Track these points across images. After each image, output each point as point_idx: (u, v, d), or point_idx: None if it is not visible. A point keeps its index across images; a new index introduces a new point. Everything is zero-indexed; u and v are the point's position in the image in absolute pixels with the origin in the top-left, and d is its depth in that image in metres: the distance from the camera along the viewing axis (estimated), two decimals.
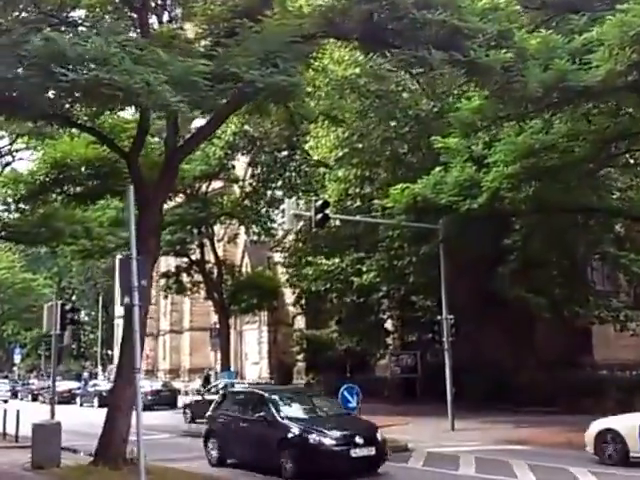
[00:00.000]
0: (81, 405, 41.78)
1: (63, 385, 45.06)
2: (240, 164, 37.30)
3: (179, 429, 26.44)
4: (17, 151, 33.32)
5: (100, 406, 35.73)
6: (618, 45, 14.44)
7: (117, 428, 14.51)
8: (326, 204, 23.36)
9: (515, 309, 26.45)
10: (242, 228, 40.40)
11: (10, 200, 24.32)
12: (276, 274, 42.01)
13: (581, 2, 18.20)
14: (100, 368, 68.59)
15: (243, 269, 44.49)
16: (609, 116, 18.90)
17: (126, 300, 11.52)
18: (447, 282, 23.69)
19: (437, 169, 22.49)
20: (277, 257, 40.22)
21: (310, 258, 33.83)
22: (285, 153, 34.41)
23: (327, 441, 14.08)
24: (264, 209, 36.66)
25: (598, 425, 15.57)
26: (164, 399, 36.30)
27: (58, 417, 19.14)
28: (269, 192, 36.16)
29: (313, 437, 14.13)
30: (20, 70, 12.14)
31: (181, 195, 33.83)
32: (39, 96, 12.96)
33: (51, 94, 13.44)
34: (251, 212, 36.48)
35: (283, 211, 26.45)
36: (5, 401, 42.29)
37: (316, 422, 14.94)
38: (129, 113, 20.36)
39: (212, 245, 38.67)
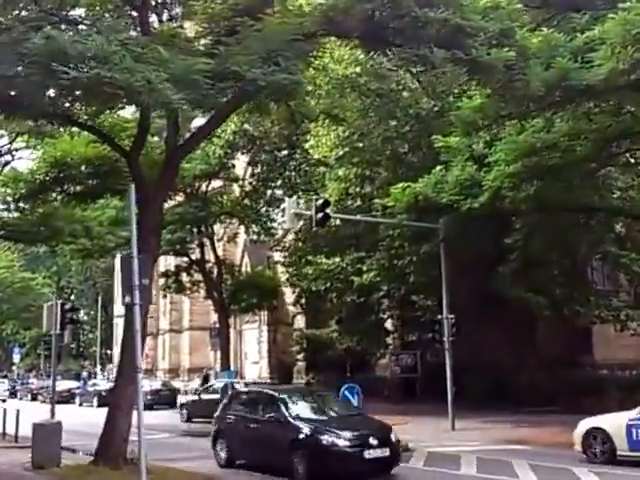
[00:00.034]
0: (80, 405, 41.71)
1: (62, 385, 44.94)
2: (240, 163, 37.28)
3: (179, 429, 26.44)
4: (16, 150, 33.30)
5: (99, 406, 35.69)
6: (620, 43, 14.39)
7: (117, 427, 14.44)
8: (327, 203, 23.32)
9: (515, 309, 26.43)
10: (242, 227, 40.35)
11: (10, 199, 24.25)
12: (276, 273, 41.97)
13: (582, 1, 18.18)
14: (99, 368, 68.56)
15: (243, 268, 44.45)
16: (611, 115, 18.85)
17: (127, 299, 11.46)
18: (447, 281, 23.65)
19: (438, 168, 22.46)
20: (277, 256, 40.17)
21: (310, 257, 33.80)
22: (285, 152, 34.39)
23: (340, 442, 13.75)
24: (264, 208, 36.65)
25: (586, 424, 15.73)
26: (164, 398, 36.27)
27: (57, 417, 19.10)
28: (269, 191, 36.15)
29: (326, 438, 13.79)
30: (20, 68, 12.09)
31: (181, 194, 33.79)
32: (39, 94, 12.94)
33: (51, 93, 13.42)
34: (251, 211, 36.45)
35: (283, 210, 26.43)
36: (3, 400, 42.17)
37: (328, 423, 14.61)
38: (129, 112, 20.39)
39: (212, 244, 38.62)
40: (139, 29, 15.64)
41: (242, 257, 46.78)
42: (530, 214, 23.47)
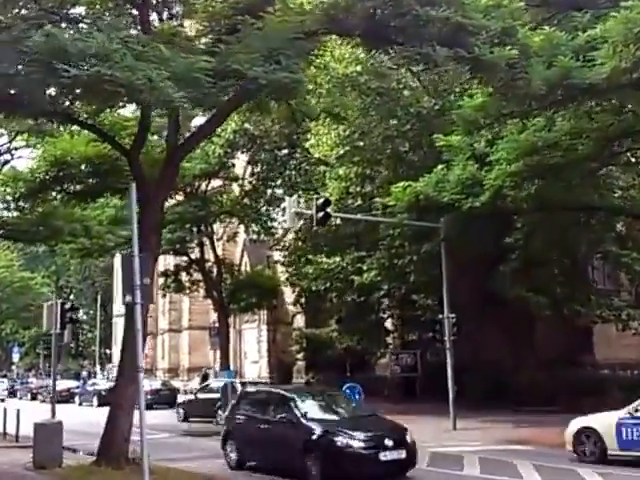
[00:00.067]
0: (80, 404, 41.70)
1: (62, 384, 44.92)
2: (240, 162, 37.19)
3: (179, 428, 26.42)
4: (16, 149, 33.21)
5: (99, 405, 35.69)
6: (622, 42, 14.36)
7: (119, 427, 14.37)
8: (327, 202, 23.29)
9: (516, 308, 26.41)
10: (242, 227, 40.27)
11: (9, 198, 24.18)
12: (275, 273, 41.91)
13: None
14: (98, 367, 68.51)
15: (242, 268, 44.37)
16: (612, 114, 18.83)
17: (128, 298, 11.36)
18: (448, 281, 23.62)
19: (439, 167, 22.41)
20: (277, 256, 40.12)
21: (310, 256, 33.74)
22: (285, 151, 34.31)
23: (355, 444, 13.35)
24: (264, 208, 36.56)
25: (577, 424, 15.85)
26: (163, 398, 36.21)
27: (57, 416, 19.07)
28: (269, 191, 36.06)
29: (340, 439, 13.41)
30: (21, 67, 12.04)
31: (181, 193, 33.71)
32: (40, 93, 12.88)
33: (52, 91, 13.37)
34: (251, 211, 36.35)
35: (284, 209, 26.40)
36: (2, 400, 42.13)
37: (342, 423, 14.23)
38: (129, 111, 20.33)
39: (212, 244, 38.53)
40: (139, 28, 15.59)
41: (242, 256, 46.70)
42: (531, 213, 23.47)
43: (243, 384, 28.01)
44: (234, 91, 13.97)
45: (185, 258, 39.46)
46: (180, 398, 34.88)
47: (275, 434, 14.71)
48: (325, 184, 30.89)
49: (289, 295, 40.72)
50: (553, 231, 23.78)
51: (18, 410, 21.19)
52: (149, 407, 31.17)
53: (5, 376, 68.17)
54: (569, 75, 14.98)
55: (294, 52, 13.50)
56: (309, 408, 14.76)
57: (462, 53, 12.86)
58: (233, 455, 15.88)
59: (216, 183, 37.50)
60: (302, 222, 29.34)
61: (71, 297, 75.78)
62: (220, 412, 27.50)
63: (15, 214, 25.31)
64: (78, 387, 46.84)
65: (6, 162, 32.56)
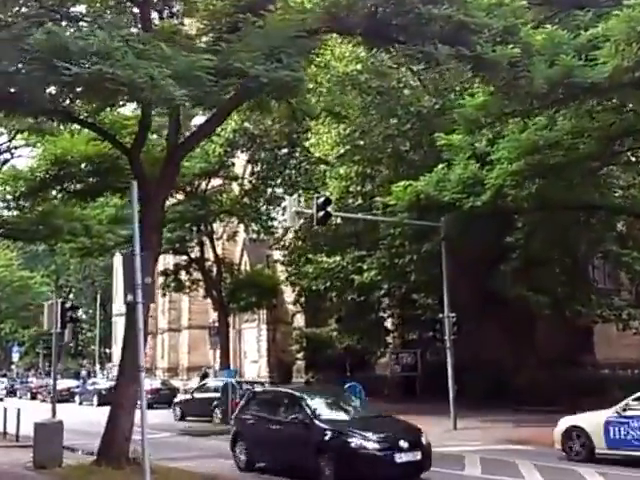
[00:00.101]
0: (80, 404, 41.66)
1: (62, 383, 44.88)
2: (240, 161, 37.15)
3: (178, 428, 26.36)
4: (16, 148, 33.16)
5: (99, 405, 35.65)
6: (625, 41, 14.32)
7: (120, 427, 14.33)
8: (328, 201, 23.21)
9: (516, 307, 26.37)
10: (241, 226, 40.23)
11: (9, 197, 24.16)
12: (275, 272, 41.88)
13: None
14: (98, 366, 68.46)
15: (242, 267, 44.33)
16: (614, 113, 18.80)
17: (129, 297, 11.30)
18: (448, 280, 23.59)
19: (440, 166, 22.36)
20: (276, 255, 40.08)
21: (310, 256, 33.69)
22: (285, 150, 34.27)
23: (370, 445, 13.00)
24: (264, 207, 36.52)
25: (565, 422, 16.08)
26: (163, 397, 36.07)
27: (57, 416, 19.02)
28: (269, 190, 36.02)
29: (355, 441, 13.06)
30: (21, 65, 11.99)
31: (181, 193, 33.69)
32: (40, 91, 12.83)
33: (52, 90, 13.32)
34: (250, 210, 36.32)
35: (284, 209, 26.34)
36: (0, 399, 42.11)
37: (356, 424, 13.87)
38: (129, 109, 20.30)
39: (211, 243, 38.51)
40: (140, 26, 15.55)
41: (241, 256, 46.65)
42: (532, 212, 23.43)
43: (239, 383, 28.01)
44: (235, 90, 13.93)
45: (185, 257, 39.47)
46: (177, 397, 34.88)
47: (286, 435, 14.45)
48: (325, 183, 30.84)
49: (289, 294, 40.66)
50: (554, 230, 23.75)
51: (18, 410, 21.16)
52: (149, 406, 30.93)
53: (5, 375, 68.16)
54: (571, 74, 14.94)
55: (295, 50, 13.45)
56: (321, 408, 14.53)
57: (464, 52, 12.80)
58: (242, 456, 15.64)
59: (216, 182, 37.49)
60: (302, 221, 29.27)
61: (70, 296, 75.76)
62: (217, 411, 27.62)
63: (15, 213, 25.30)
64: (78, 386, 46.77)
65: (6, 161, 32.52)
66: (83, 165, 21.15)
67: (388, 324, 35.92)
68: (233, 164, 36.14)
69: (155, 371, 59.42)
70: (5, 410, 22.33)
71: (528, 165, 19.30)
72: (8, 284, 50.99)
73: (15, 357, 71.75)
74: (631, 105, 18.96)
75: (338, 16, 14.10)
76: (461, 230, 23.08)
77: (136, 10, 15.83)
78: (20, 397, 51.52)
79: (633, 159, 23.86)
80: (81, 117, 16.48)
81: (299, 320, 41.72)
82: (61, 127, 19.38)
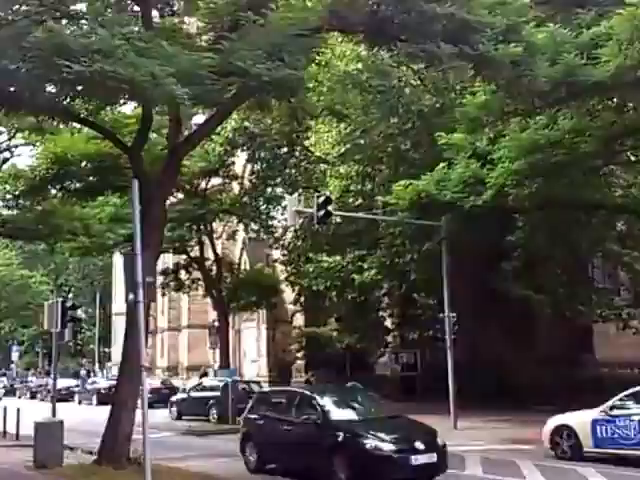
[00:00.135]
0: (79, 403, 41.63)
1: (61, 383, 44.81)
2: (240, 161, 37.07)
3: (178, 427, 26.33)
4: (16, 147, 33.14)
5: (99, 404, 35.60)
6: (627, 40, 14.29)
7: (121, 426, 14.24)
8: (328, 200, 23.18)
9: (516, 307, 26.37)
10: (241, 225, 40.16)
11: (9, 196, 24.13)
12: (275, 272, 41.81)
13: None
14: (97, 366, 68.40)
15: (242, 266, 44.27)
16: (615, 112, 18.78)
17: (130, 297, 11.26)
18: (449, 279, 23.56)
19: (441, 165, 22.32)
20: (276, 254, 40.02)
21: (310, 255, 33.64)
22: (285, 149, 34.20)
23: (385, 446, 12.66)
24: (263, 206, 36.45)
25: (554, 421, 16.28)
26: (163, 397, 36.04)
27: (57, 415, 18.97)
28: (269, 189, 35.94)
29: (369, 442, 12.71)
30: (22, 63, 11.94)
31: (180, 192, 33.60)
32: (41, 90, 12.78)
33: (53, 88, 13.26)
34: (250, 209, 36.25)
35: (284, 208, 26.28)
36: None
37: (370, 425, 13.50)
38: (129, 108, 20.28)
39: (211, 242, 38.44)
40: (141, 24, 15.49)
41: (241, 255, 46.59)
42: (532, 212, 23.41)
43: (235, 382, 27.99)
44: (236, 88, 13.87)
45: (184, 256, 39.37)
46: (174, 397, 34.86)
47: (298, 436, 14.13)
48: (325, 182, 30.79)
49: (289, 294, 40.59)
50: (554, 230, 23.73)
51: (18, 409, 21.13)
52: (149, 406, 31.09)
53: (4, 375, 68.10)
54: (573, 73, 14.91)
55: (297, 49, 13.38)
56: (333, 408, 14.25)
57: (467, 50, 12.73)
58: (252, 457, 15.34)
59: (216, 181, 37.40)
60: (301, 220, 29.21)
61: (70, 295, 75.68)
62: (213, 410, 27.65)
63: (15, 212, 25.27)
64: (77, 386, 46.72)
65: (6, 160, 32.49)
66: (83, 164, 21.16)
67: (388, 323, 35.90)
68: (233, 163, 36.05)
69: (155, 370, 59.42)
70: (5, 409, 22.31)
71: (529, 164, 19.27)
72: (8, 283, 51.01)
73: (14, 356, 71.65)
74: (631, 104, 18.96)
75: (340, 14, 14.03)
76: (462, 229, 23.06)
77: (137, 8, 15.76)
78: (19, 396, 51.47)
79: (633, 158, 23.83)
80: (82, 116, 16.43)
81: (299, 319, 41.68)
82: (61, 126, 19.32)
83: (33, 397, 48.92)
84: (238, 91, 14.03)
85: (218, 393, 27.92)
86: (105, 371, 61.78)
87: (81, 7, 15.80)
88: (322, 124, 28.39)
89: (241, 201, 36.08)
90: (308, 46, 14.14)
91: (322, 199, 22.99)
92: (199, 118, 19.93)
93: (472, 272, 26.78)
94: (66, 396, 42.19)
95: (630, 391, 15.56)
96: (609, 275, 32.31)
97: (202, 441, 22.52)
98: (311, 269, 33.29)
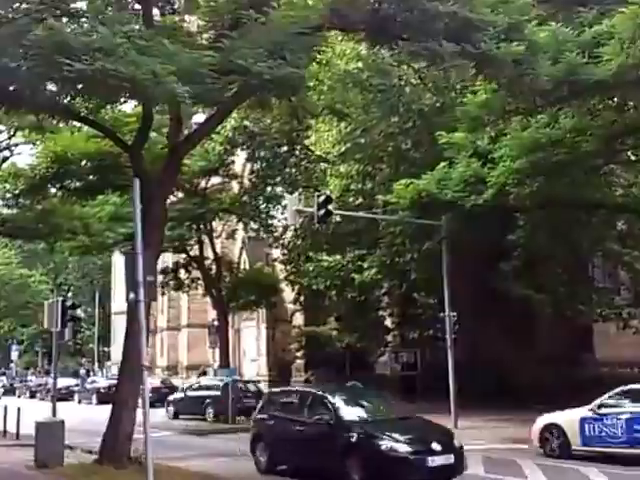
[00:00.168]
0: (79, 402, 41.59)
1: (61, 382, 44.78)
2: (239, 160, 37.03)
3: (178, 426, 26.31)
4: (16, 145, 33.09)
5: (99, 403, 35.57)
6: (629, 38, 14.25)
7: (122, 426, 14.21)
8: (329, 199, 23.19)
9: (516, 306, 26.33)
10: (240, 224, 40.11)
11: (9, 195, 24.08)
12: (275, 271, 41.77)
13: None
14: (97, 365, 68.35)
15: (241, 266, 44.23)
16: (616, 111, 18.75)
17: (131, 296, 11.21)
18: (449, 279, 23.53)
19: (442, 164, 22.29)
20: (276, 253, 39.97)
21: (310, 254, 33.61)
22: (285, 148, 34.15)
23: (401, 447, 12.38)
24: (263, 205, 36.40)
25: (543, 420, 16.53)
26: (163, 396, 36.01)
27: (57, 415, 18.96)
28: (269, 188, 35.89)
29: (385, 443, 12.45)
30: (23, 61, 11.89)
31: (180, 191, 33.54)
32: (41, 88, 12.74)
33: (53, 87, 13.22)
34: (249, 208, 36.21)
35: (284, 207, 26.25)
36: None
37: (384, 426, 13.22)
38: (129, 107, 20.24)
39: (211, 241, 38.40)
40: (141, 22, 15.45)
41: (240, 254, 46.55)
42: (533, 211, 23.38)
43: (235, 382, 27.98)
44: (237, 87, 13.83)
45: (184, 256, 39.34)
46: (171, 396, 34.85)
47: (310, 436, 13.89)
48: (325, 181, 30.74)
49: (288, 293, 40.55)
50: (555, 229, 23.70)
51: (19, 408, 21.09)
52: (149, 405, 31.10)
53: (4, 374, 68.06)
54: (575, 71, 14.85)
55: (298, 47, 13.34)
56: (346, 408, 13.98)
57: (469, 49, 12.68)
58: (263, 458, 15.12)
59: (215, 180, 37.34)
60: (301, 220, 29.18)
61: (69, 294, 75.66)
62: (209, 409, 27.66)
63: (15, 211, 25.23)
64: (77, 385, 46.68)
65: (5, 158, 32.43)
66: (83, 163, 21.12)
67: (388, 323, 35.87)
68: (233, 162, 36.00)
69: (154, 369, 59.38)
70: (6, 409, 22.27)
71: (531, 163, 19.24)
72: (7, 282, 50.95)
73: (14, 355, 71.61)
74: (632, 103, 18.93)
75: (341, 12, 13.98)
76: (462, 229, 23.03)
77: (137, 6, 15.72)
78: (19, 396, 51.43)
79: (633, 158, 23.79)
80: (82, 114, 16.38)
81: (298, 319, 41.64)
82: (61, 124, 19.28)
83: (33, 396, 48.89)
84: (239, 90, 13.97)
85: (214, 392, 27.98)
86: (104, 370, 61.72)
87: (81, 5, 15.75)
88: (322, 123, 28.34)
89: (241, 200, 36.02)
90: (309, 44, 14.09)
91: (322, 198, 22.99)
92: (199, 117, 19.88)
93: (472, 271, 26.75)
94: (66, 395, 42.15)
95: (618, 390, 15.72)
96: (609, 274, 32.25)
97: (202, 440, 22.51)
98: (311, 268, 33.26)
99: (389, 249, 28.03)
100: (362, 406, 14.52)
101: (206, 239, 38.09)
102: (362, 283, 30.22)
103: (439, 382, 23.74)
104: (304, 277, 34.58)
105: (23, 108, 14.77)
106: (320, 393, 14.80)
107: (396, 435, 12.64)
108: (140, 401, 13.01)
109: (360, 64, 26.41)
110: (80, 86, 12.67)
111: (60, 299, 20.95)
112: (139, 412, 12.88)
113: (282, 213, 34.17)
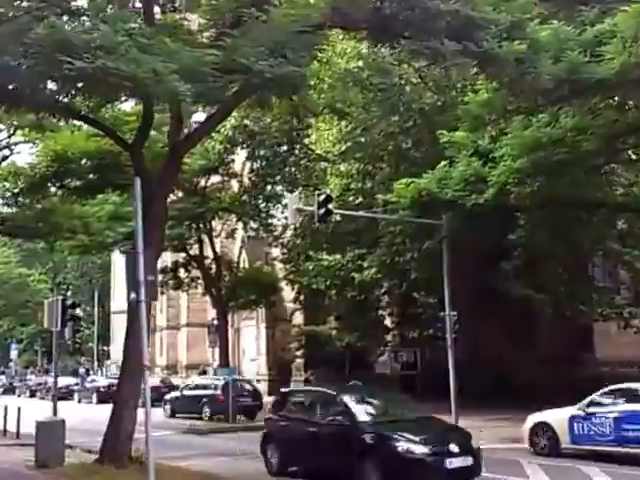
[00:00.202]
0: (79, 401, 41.56)
1: (61, 381, 44.71)
2: (239, 159, 37.00)
3: (178, 426, 26.27)
4: (15, 144, 32.99)
5: (99, 402, 35.54)
6: (632, 37, 14.21)
7: (123, 425, 14.18)
8: (329, 198, 23.13)
9: (517, 306, 26.31)
10: (240, 224, 40.08)
11: (9, 194, 24.04)
12: (274, 270, 41.74)
13: None
14: (96, 364, 68.31)
15: (241, 265, 44.20)
16: (617, 110, 18.72)
17: (132, 295, 11.16)
18: (449, 278, 23.49)
19: (442, 164, 22.24)
20: (275, 253, 39.95)
21: (310, 253, 33.57)
22: (285, 147, 34.13)
23: (418, 449, 12.07)
24: (263, 204, 36.37)
25: (533, 419, 16.83)
26: (162, 395, 35.95)
27: (57, 414, 18.93)
28: (268, 187, 35.87)
29: (402, 444, 12.13)
30: (24, 59, 11.85)
31: (180, 190, 33.51)
32: (42, 87, 12.70)
33: (54, 85, 13.19)
34: (249, 207, 36.18)
35: (284, 206, 26.20)
36: None
37: (401, 427, 12.84)
38: (129, 105, 20.20)
39: (210, 240, 38.37)
40: (142, 21, 15.41)
41: (240, 253, 46.52)
42: (533, 210, 23.34)
43: (235, 381, 27.96)
44: (239, 85, 13.81)
45: (184, 255, 39.32)
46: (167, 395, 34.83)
47: (324, 437, 13.61)
48: (325, 180, 30.69)
49: (288, 292, 40.53)
50: (555, 228, 23.66)
51: (19, 408, 21.05)
52: None
53: (3, 373, 68.04)
54: (577, 70, 14.81)
55: (300, 46, 13.31)
56: (361, 408, 13.68)
57: (471, 47, 12.65)
58: (274, 460, 14.84)
59: (215, 179, 37.32)
60: (301, 219, 29.14)
61: (68, 294, 75.61)
62: (206, 408, 27.67)
63: (14, 210, 25.19)
64: (77, 384, 46.64)
65: (5, 157, 32.36)
66: (83, 161, 21.09)
67: (388, 322, 35.86)
68: (233, 161, 35.98)
69: (154, 369, 59.35)
70: (6, 408, 22.23)
71: (532, 162, 19.20)
72: (6, 281, 50.91)
73: (13, 354, 71.58)
74: (633, 102, 18.89)
75: (343, 11, 13.95)
76: (463, 228, 22.96)
77: (138, 5, 15.68)
78: (19, 395, 51.40)
79: (634, 157, 23.75)
80: (82, 113, 16.35)
81: (298, 318, 41.63)
82: (62, 123, 19.25)
83: (32, 395, 48.88)
84: (240, 88, 13.99)
85: (211, 391, 28.00)
86: (104, 369, 61.67)
87: (82, 3, 15.73)
88: (323, 122, 28.30)
89: (240, 199, 36.02)
90: (311, 43, 14.06)
91: (323, 197, 22.93)
92: (199, 116, 19.85)
93: (473, 271, 26.71)
94: (66, 394, 42.12)
95: (607, 389, 15.98)
96: (610, 274, 32.19)
97: (202, 440, 22.48)
98: (311, 267, 33.22)
99: (389, 248, 27.98)
100: (377, 407, 14.27)
101: (206, 238, 38.08)
102: (362, 282, 30.18)
103: (439, 381, 23.71)
104: (304, 276, 34.54)
105: (23, 107, 14.73)
106: (334, 394, 14.48)
107: (413, 436, 12.37)
108: (141, 401, 12.97)
109: (361, 63, 26.39)
110: (81, 84, 12.66)
111: (60, 298, 20.93)
112: (140, 411, 12.82)
113: (282, 212, 34.16)
